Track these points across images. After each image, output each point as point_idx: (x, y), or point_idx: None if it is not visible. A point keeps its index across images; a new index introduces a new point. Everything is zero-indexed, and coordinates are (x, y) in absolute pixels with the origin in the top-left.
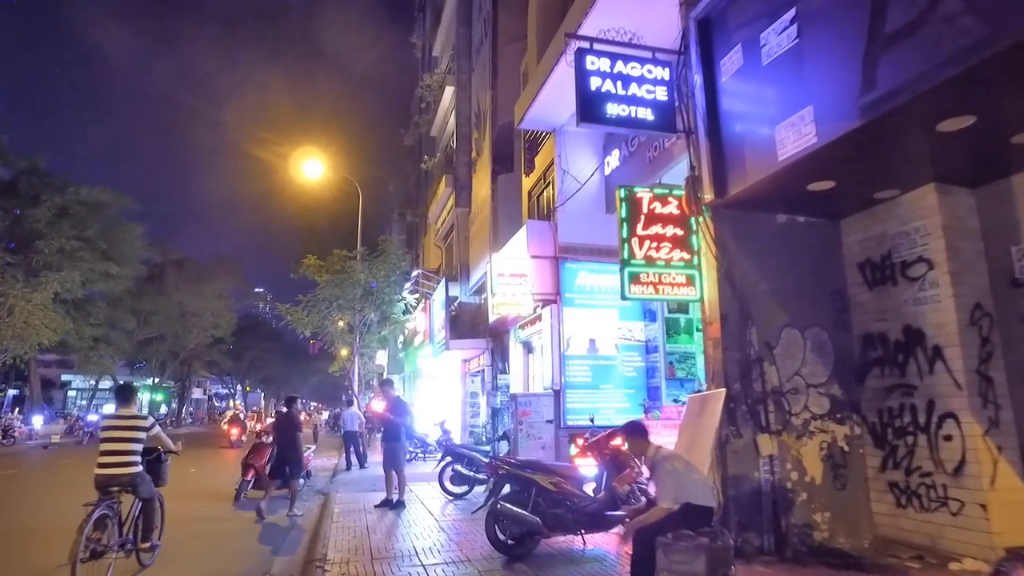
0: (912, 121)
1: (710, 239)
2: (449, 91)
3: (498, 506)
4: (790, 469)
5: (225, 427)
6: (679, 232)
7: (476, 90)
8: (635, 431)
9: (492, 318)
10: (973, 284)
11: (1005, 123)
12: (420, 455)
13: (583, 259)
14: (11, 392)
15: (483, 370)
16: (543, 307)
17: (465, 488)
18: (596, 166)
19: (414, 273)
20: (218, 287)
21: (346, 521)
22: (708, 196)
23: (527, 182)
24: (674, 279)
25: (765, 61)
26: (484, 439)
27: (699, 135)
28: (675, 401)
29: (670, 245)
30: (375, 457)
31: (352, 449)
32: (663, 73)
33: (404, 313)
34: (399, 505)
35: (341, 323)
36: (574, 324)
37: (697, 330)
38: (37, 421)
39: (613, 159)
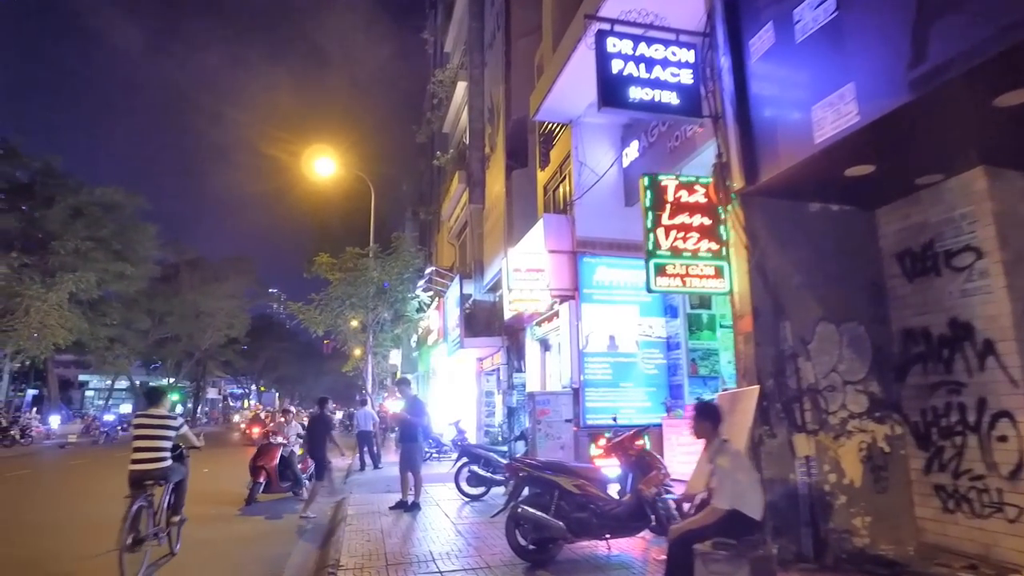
0: (967, 95)
1: (740, 228)
2: (461, 86)
3: (519, 510)
4: (828, 471)
5: (245, 426)
6: (707, 222)
7: (489, 85)
8: (708, 414)
9: (508, 315)
10: None
11: None
12: (435, 455)
13: (601, 253)
14: (31, 392)
15: (498, 369)
16: (560, 303)
17: (482, 489)
18: (614, 158)
19: (427, 271)
20: (232, 287)
21: (360, 524)
22: (737, 184)
23: (542, 176)
24: (702, 271)
25: (799, 38)
26: (500, 439)
27: (727, 119)
28: (698, 399)
29: (697, 235)
30: (389, 457)
31: (366, 449)
32: (688, 55)
33: (418, 311)
34: (414, 507)
35: (354, 322)
36: (593, 320)
37: (720, 326)
38: (54, 421)
39: (632, 151)
